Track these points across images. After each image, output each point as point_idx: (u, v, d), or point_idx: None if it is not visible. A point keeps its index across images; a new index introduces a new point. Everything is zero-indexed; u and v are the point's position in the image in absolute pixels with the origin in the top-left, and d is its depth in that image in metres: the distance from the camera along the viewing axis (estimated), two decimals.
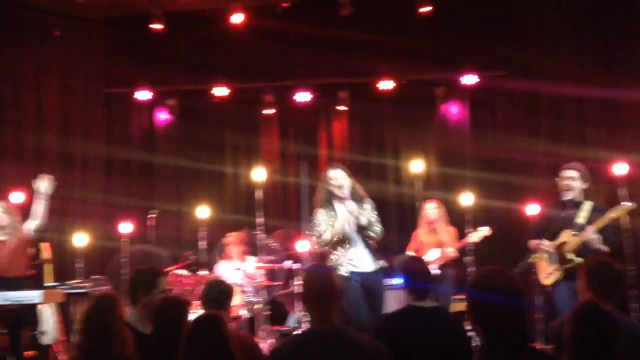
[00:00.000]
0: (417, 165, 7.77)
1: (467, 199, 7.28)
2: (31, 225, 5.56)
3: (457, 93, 8.45)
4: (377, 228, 5.39)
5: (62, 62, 8.49)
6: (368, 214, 5.37)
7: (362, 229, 5.32)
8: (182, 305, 3.58)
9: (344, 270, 5.21)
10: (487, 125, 8.51)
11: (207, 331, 2.92)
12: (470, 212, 7.17)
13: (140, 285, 3.69)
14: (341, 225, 5.28)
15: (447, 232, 6.95)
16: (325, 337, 2.88)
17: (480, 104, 8.50)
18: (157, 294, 3.66)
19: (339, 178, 5.37)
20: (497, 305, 2.22)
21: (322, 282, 3.01)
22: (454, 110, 8.58)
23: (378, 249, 5.50)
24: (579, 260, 5.18)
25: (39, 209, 5.52)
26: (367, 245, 5.38)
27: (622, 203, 5.29)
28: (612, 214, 5.24)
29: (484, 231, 6.83)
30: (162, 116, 8.70)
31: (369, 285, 5.28)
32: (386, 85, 8.35)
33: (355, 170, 8.50)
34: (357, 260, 5.32)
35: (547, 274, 5.51)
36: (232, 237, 7.38)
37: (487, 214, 8.23)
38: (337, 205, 5.38)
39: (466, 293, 2.34)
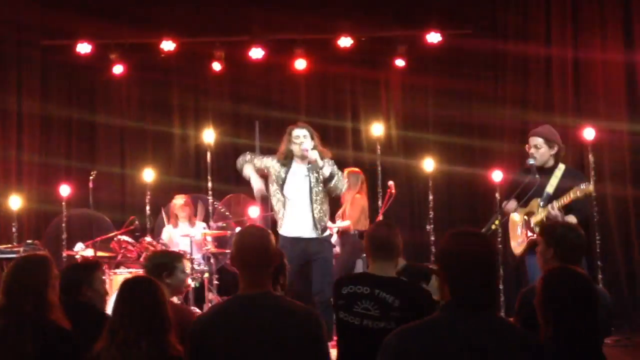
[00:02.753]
0: (376, 129, 7.91)
1: (428, 164, 7.46)
2: None
3: (420, 52, 8.59)
4: (341, 182, 5.81)
5: None
6: (331, 167, 5.76)
7: (318, 188, 5.72)
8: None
9: (281, 232, 5.77)
10: (451, 86, 8.63)
11: (138, 289, 2.98)
12: (432, 178, 7.36)
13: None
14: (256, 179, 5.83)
15: (351, 202, 7.20)
16: (253, 303, 2.83)
17: (444, 63, 8.64)
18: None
19: (301, 137, 5.75)
20: (470, 264, 2.28)
21: (255, 243, 2.93)
22: (416, 70, 8.70)
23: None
24: None
25: None
26: (319, 210, 5.76)
27: (581, 185, 5.31)
28: (572, 195, 5.29)
29: (345, 223, 7.23)
30: (104, 71, 8.63)
31: (309, 253, 5.74)
32: (345, 42, 8.44)
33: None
34: (297, 224, 5.77)
35: (518, 242, 5.67)
36: (179, 199, 7.47)
37: (449, 180, 8.47)
38: (294, 165, 5.80)
39: (439, 250, 2.41)
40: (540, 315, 2.87)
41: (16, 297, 3.15)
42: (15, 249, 6.15)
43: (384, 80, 8.79)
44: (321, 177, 5.73)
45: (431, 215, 7.20)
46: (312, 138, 5.80)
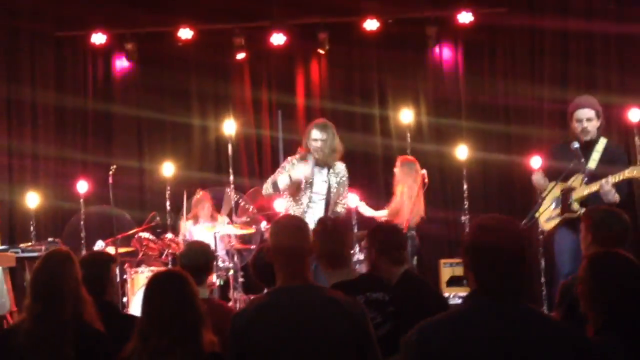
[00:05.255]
0: (406, 115, 7.92)
1: (462, 151, 7.44)
2: None
3: (450, 33, 8.59)
4: (340, 208, 6.10)
5: (9, 1, 8.52)
6: (338, 181, 6.05)
7: (336, 191, 6.04)
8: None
9: None
10: (485, 68, 8.64)
11: (169, 288, 2.99)
12: (466, 167, 7.35)
13: None
14: (298, 177, 5.93)
15: (400, 194, 6.96)
16: (296, 295, 2.87)
17: (477, 45, 8.63)
18: None
19: (319, 140, 5.95)
20: (496, 250, 2.27)
21: (293, 233, 2.97)
22: (447, 52, 8.71)
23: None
24: (583, 211, 5.27)
25: None
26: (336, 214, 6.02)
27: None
28: (633, 172, 5.29)
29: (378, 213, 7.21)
30: (120, 62, 8.78)
31: None
32: (371, 25, 8.45)
33: (337, 122, 8.74)
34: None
35: (548, 218, 5.67)
36: (199, 196, 7.55)
37: (485, 168, 8.45)
38: (316, 167, 6.01)
39: (466, 236, 2.43)
40: (588, 305, 2.84)
41: (55, 301, 3.17)
42: (37, 248, 6.25)
43: (413, 64, 8.77)
44: (340, 180, 6.06)
45: (466, 206, 7.20)
46: (331, 140, 5.99)
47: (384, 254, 4.04)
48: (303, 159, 6.05)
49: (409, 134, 7.61)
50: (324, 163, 6.04)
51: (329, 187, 6.06)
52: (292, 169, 6.01)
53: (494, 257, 2.27)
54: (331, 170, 6.08)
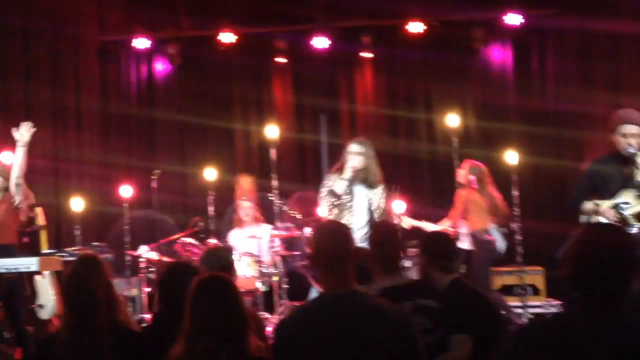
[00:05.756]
0: (452, 120, 7.83)
1: (511, 157, 7.33)
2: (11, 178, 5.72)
3: (498, 35, 8.54)
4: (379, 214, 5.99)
5: (52, 7, 8.63)
6: (377, 199, 6.00)
7: (375, 209, 6.00)
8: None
9: None
10: (534, 72, 8.58)
11: (215, 290, 2.98)
12: (516, 172, 7.23)
13: None
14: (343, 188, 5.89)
15: (467, 200, 6.97)
16: (341, 302, 2.82)
17: (526, 47, 8.57)
18: None
19: (352, 154, 5.91)
20: (605, 260, 2.29)
21: (336, 239, 2.95)
22: (495, 55, 8.65)
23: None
24: None
25: (17, 159, 5.69)
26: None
27: None
28: None
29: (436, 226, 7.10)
30: (163, 66, 8.86)
31: None
32: (416, 27, 8.43)
33: (381, 126, 8.70)
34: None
35: None
36: (245, 180, 7.48)
37: (535, 175, 8.33)
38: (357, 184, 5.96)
39: (575, 241, 2.40)
40: None
41: (87, 307, 3.19)
42: (82, 252, 6.30)
43: (459, 67, 8.72)
44: (380, 198, 5.99)
45: (517, 212, 7.08)
46: (368, 157, 5.93)
47: (434, 262, 4.13)
48: (339, 172, 6.02)
49: (455, 139, 7.51)
50: (363, 179, 5.97)
51: (369, 203, 6.02)
52: (334, 184, 5.99)
53: (602, 267, 2.29)
54: (371, 189, 6.02)
